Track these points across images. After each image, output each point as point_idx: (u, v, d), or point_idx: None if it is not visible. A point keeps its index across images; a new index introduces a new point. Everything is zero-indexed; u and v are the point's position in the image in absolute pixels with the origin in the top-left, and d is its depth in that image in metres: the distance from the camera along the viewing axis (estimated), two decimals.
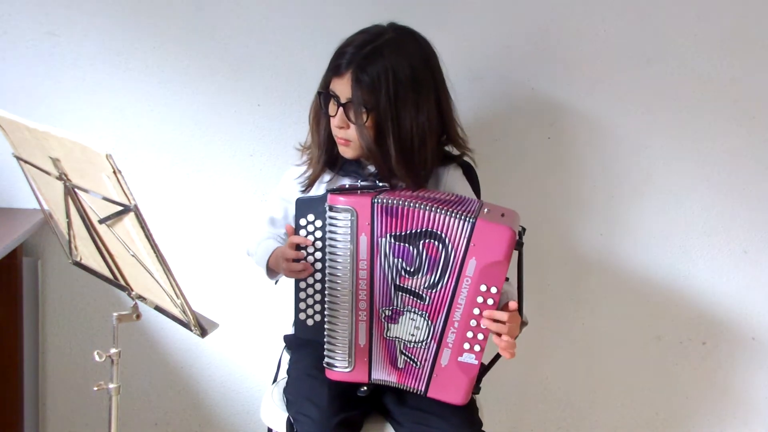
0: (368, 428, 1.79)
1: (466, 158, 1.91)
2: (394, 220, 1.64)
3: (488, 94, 2.25)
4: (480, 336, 1.63)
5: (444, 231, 1.62)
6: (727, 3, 2.23)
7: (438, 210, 1.62)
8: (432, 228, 1.63)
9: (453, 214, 1.61)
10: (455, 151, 1.90)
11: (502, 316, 1.61)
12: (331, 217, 1.66)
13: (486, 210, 1.65)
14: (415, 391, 1.70)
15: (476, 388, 1.69)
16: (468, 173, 1.90)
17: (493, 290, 1.61)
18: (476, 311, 1.62)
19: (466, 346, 1.64)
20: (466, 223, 1.60)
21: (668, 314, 2.38)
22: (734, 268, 2.36)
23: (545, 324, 2.35)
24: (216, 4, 2.18)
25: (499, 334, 1.63)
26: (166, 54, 2.19)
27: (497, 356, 1.70)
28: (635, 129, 2.28)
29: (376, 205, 1.64)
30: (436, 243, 1.63)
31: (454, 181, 1.86)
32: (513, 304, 1.64)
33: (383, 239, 1.65)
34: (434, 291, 1.64)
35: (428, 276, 1.64)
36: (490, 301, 1.61)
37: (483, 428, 1.76)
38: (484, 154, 2.24)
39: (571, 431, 2.45)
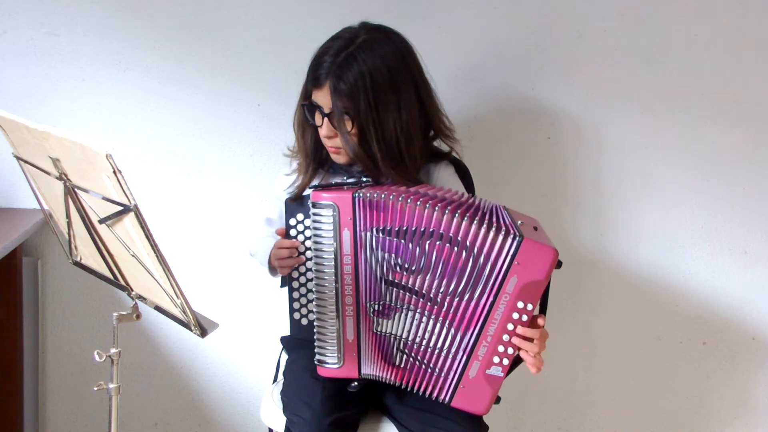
0: (366, 427, 1.79)
1: (454, 153, 1.89)
2: (379, 213, 1.63)
3: (488, 94, 2.25)
4: (510, 350, 1.63)
5: (471, 240, 1.58)
6: (727, 3, 2.23)
7: (461, 217, 1.59)
8: (443, 230, 1.60)
9: (488, 227, 1.58)
10: (445, 148, 1.89)
11: (534, 333, 1.61)
12: (314, 214, 1.66)
13: (520, 222, 1.62)
14: (438, 400, 1.68)
15: (497, 398, 1.69)
16: (459, 170, 1.89)
17: (529, 307, 1.60)
18: (510, 327, 1.61)
19: (496, 359, 1.63)
20: (512, 241, 1.57)
21: (668, 314, 2.38)
22: (734, 268, 2.36)
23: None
24: (216, 5, 2.18)
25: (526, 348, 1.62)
26: (166, 54, 2.20)
27: (515, 364, 1.69)
28: (635, 129, 2.28)
29: (357, 199, 1.64)
30: (456, 249, 1.59)
31: (445, 178, 1.86)
32: (542, 320, 1.63)
33: (368, 233, 1.64)
34: (459, 300, 1.62)
35: (443, 280, 1.62)
36: (524, 318, 1.60)
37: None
38: (484, 154, 2.25)
39: (571, 431, 2.45)
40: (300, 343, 1.82)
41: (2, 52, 2.17)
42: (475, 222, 1.59)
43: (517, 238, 1.57)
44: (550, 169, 2.30)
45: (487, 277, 1.59)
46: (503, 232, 1.58)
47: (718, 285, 2.37)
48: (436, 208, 1.60)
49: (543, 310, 1.67)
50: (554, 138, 2.29)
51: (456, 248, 1.60)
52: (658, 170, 2.30)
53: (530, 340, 1.61)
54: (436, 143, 1.89)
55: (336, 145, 1.76)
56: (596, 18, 2.23)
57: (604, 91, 2.26)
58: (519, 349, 1.62)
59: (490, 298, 1.60)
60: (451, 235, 1.60)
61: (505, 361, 1.63)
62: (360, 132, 1.72)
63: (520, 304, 1.59)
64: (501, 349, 1.62)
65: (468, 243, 1.59)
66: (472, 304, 1.62)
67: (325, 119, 1.74)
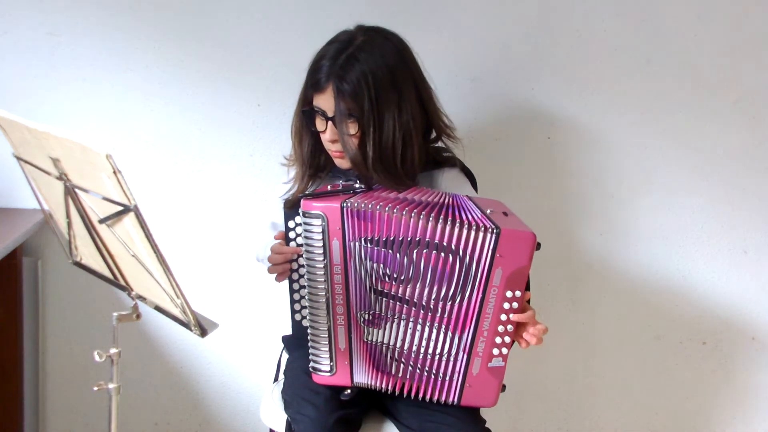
0: (368, 426, 1.80)
1: (456, 152, 1.89)
2: (366, 224, 1.63)
3: (488, 94, 2.25)
4: (507, 339, 1.64)
5: (455, 243, 1.59)
6: (727, 3, 2.23)
7: (442, 221, 1.59)
8: (429, 238, 1.60)
9: (468, 227, 1.58)
10: (448, 154, 1.88)
11: (528, 317, 1.62)
12: (305, 223, 1.65)
13: (489, 211, 1.63)
14: (447, 403, 1.69)
15: (502, 387, 1.69)
16: (463, 172, 1.89)
17: (518, 294, 1.61)
18: (503, 317, 1.62)
19: (495, 351, 1.64)
20: (491, 235, 1.57)
21: (668, 314, 2.38)
22: (734, 268, 2.36)
23: (545, 324, 2.34)
24: (216, 4, 2.18)
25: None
26: (166, 54, 2.20)
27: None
28: (635, 129, 2.28)
29: (345, 209, 1.63)
30: (443, 254, 1.60)
31: (449, 180, 1.85)
32: (527, 294, 1.64)
33: (356, 243, 1.64)
34: (452, 303, 1.63)
35: (434, 287, 1.62)
36: (515, 305, 1.62)
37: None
38: (484, 154, 2.25)
39: (571, 431, 2.45)
40: (301, 342, 1.82)
41: (2, 52, 2.17)
42: (457, 225, 1.59)
43: (495, 231, 1.57)
44: (550, 169, 2.30)
45: (474, 276, 1.60)
46: (482, 229, 1.58)
47: (718, 285, 2.37)
48: (421, 216, 1.60)
49: (526, 287, 1.67)
50: (554, 138, 2.28)
51: (443, 254, 1.60)
52: (657, 170, 2.30)
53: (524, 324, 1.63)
54: (437, 147, 1.88)
55: (340, 149, 1.75)
56: (596, 18, 2.23)
57: (604, 91, 2.26)
58: (516, 334, 1.64)
59: (480, 295, 1.61)
60: (436, 241, 1.60)
61: (504, 350, 1.65)
62: (362, 134, 1.71)
63: (509, 293, 1.61)
64: (498, 340, 1.64)
65: (453, 247, 1.59)
66: (465, 304, 1.62)
67: (329, 123, 1.72)
